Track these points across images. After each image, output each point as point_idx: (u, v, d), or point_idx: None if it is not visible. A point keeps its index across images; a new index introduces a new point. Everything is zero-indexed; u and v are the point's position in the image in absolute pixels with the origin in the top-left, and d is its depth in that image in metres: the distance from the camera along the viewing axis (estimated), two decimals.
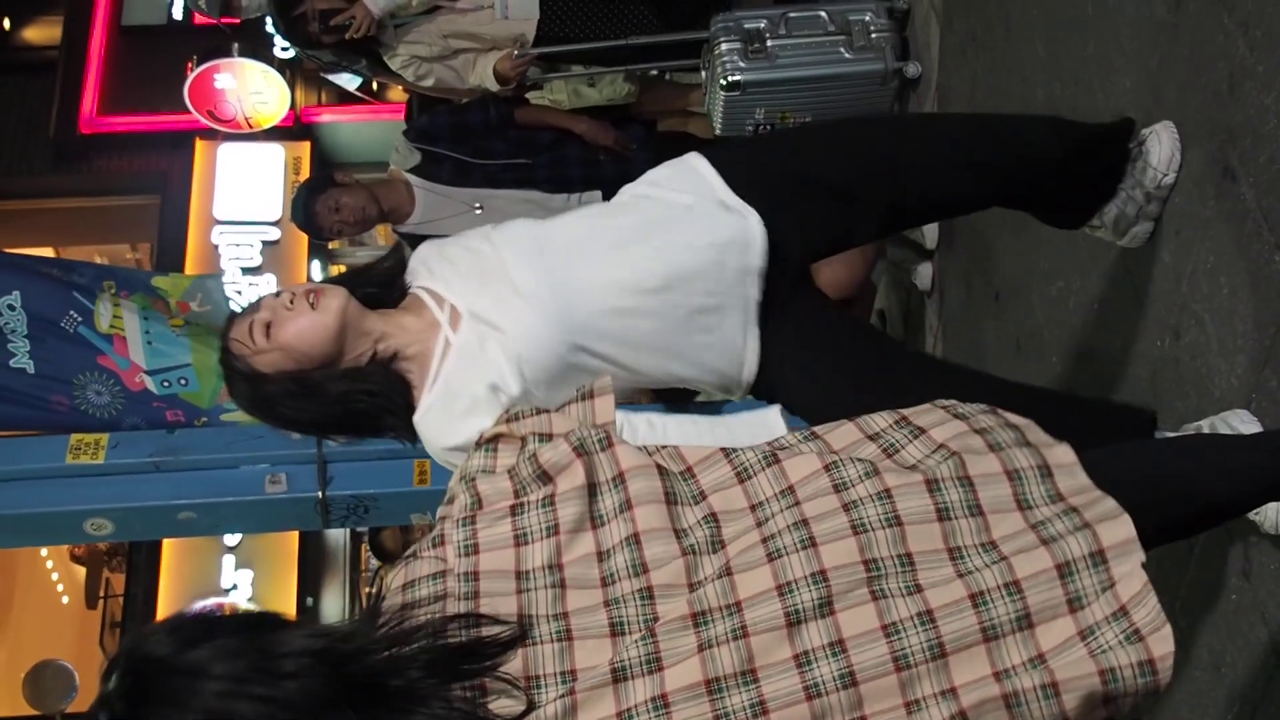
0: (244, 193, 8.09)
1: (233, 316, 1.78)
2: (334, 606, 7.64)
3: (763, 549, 1.27)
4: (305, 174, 8.03)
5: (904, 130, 2.11)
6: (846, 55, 3.49)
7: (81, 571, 8.71)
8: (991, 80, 3.02)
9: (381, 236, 7.21)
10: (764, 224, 1.80)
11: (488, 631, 1.25)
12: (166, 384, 3.07)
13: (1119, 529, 1.26)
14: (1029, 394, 1.91)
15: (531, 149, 3.67)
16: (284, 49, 7.57)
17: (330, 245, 7.87)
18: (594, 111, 3.90)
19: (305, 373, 1.71)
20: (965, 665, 1.19)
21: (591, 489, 1.38)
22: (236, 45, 7.75)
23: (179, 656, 1.17)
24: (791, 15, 3.51)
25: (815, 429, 1.45)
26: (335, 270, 8.42)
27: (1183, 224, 2.06)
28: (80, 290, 3.02)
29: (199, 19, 8.07)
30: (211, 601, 6.98)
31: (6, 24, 9.19)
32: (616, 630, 1.25)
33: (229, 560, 7.39)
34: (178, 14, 8.74)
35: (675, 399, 2.06)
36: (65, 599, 8.86)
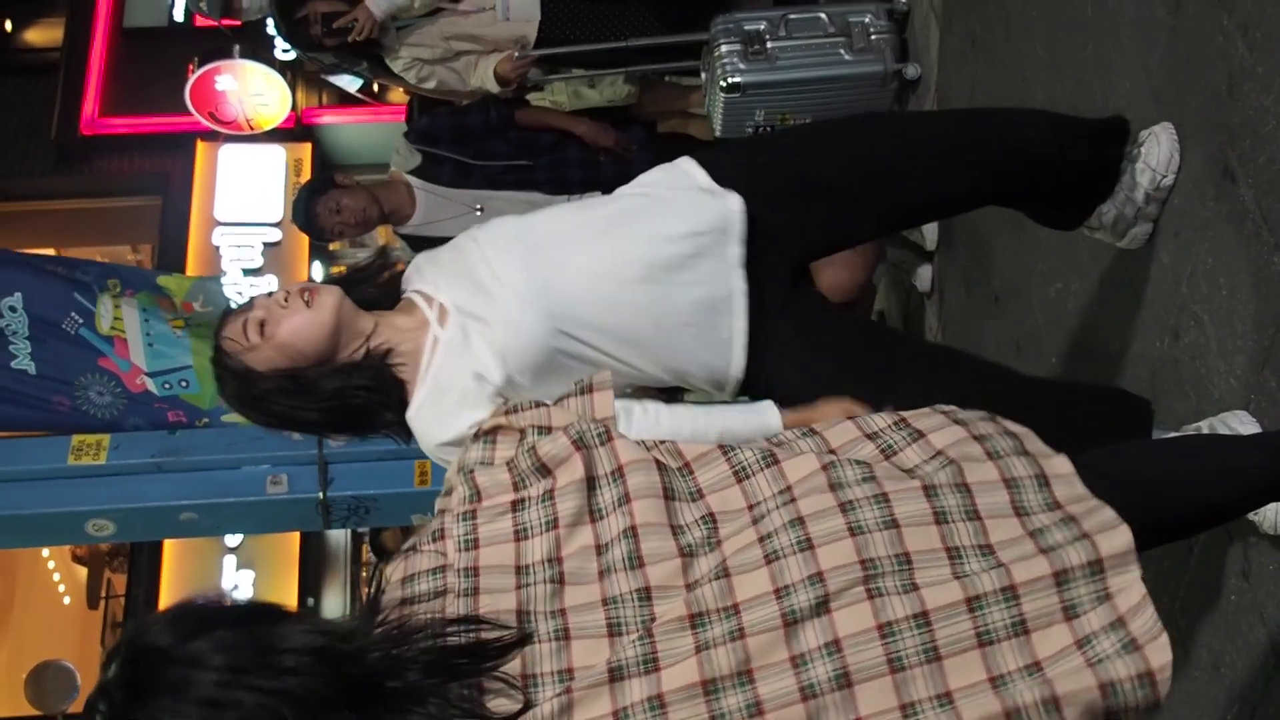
0: (245, 194, 8.08)
1: (225, 315, 1.78)
2: (335, 607, 7.64)
3: (759, 549, 1.27)
4: (306, 175, 8.03)
5: (903, 129, 2.11)
6: (846, 57, 3.49)
7: (83, 572, 8.71)
8: (991, 82, 3.02)
9: (382, 238, 7.19)
10: (747, 209, 1.80)
11: (488, 635, 1.25)
12: (168, 386, 3.08)
13: (1117, 539, 1.26)
14: (1029, 384, 1.90)
15: (532, 150, 3.67)
16: (285, 51, 7.57)
17: (331, 247, 7.86)
18: (594, 113, 3.90)
19: (300, 370, 1.72)
20: (960, 670, 1.18)
21: (590, 483, 1.38)
22: (237, 47, 7.75)
23: (179, 647, 1.17)
24: (791, 17, 3.51)
25: (814, 426, 1.45)
26: (336, 271, 8.42)
27: (1182, 225, 2.06)
28: (82, 291, 3.02)
29: (200, 21, 8.07)
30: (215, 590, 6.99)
31: (8, 26, 9.19)
32: (614, 630, 1.25)
33: (230, 561, 7.39)
34: (179, 16, 8.74)
35: (667, 398, 2.07)
36: (67, 599, 8.86)
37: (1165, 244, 2.11)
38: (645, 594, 1.27)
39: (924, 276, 3.63)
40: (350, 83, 7.62)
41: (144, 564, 7.40)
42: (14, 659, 7.83)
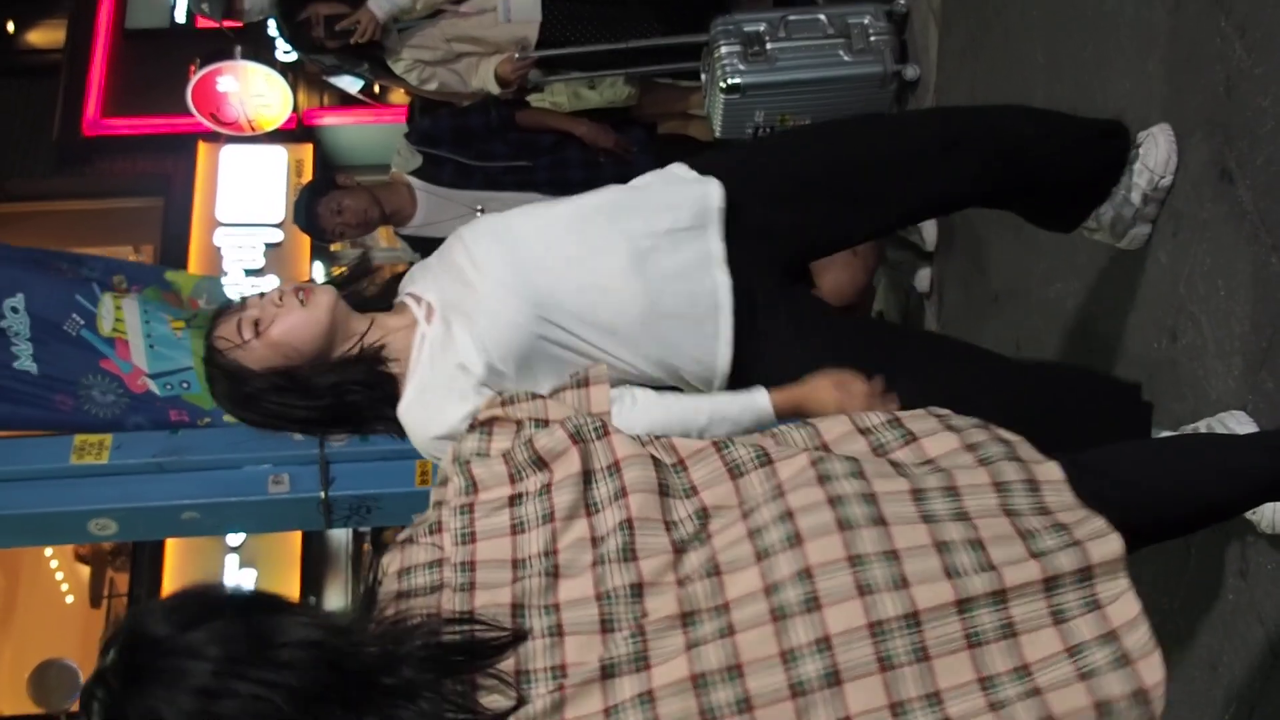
0: (247, 195, 8.08)
1: (217, 315, 1.78)
2: (337, 606, 7.64)
3: (749, 545, 1.27)
4: (308, 176, 8.03)
5: (902, 127, 2.12)
6: (845, 58, 3.49)
7: (86, 571, 8.70)
8: (990, 83, 3.02)
9: (383, 239, 7.20)
10: (731, 196, 1.81)
11: (484, 633, 1.25)
12: (169, 387, 3.08)
13: (1107, 546, 1.25)
14: (1031, 383, 1.90)
15: (532, 152, 3.67)
16: (286, 52, 7.57)
17: (332, 247, 7.84)
18: (594, 114, 3.90)
19: (294, 368, 1.72)
20: (949, 671, 1.18)
21: (587, 476, 1.38)
22: (239, 48, 7.74)
23: (176, 637, 1.18)
24: (791, 18, 3.51)
25: (812, 421, 1.44)
26: (337, 272, 8.41)
27: (1180, 226, 2.06)
28: (84, 292, 3.02)
29: (202, 22, 8.06)
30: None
31: (11, 27, 9.18)
32: (607, 627, 1.25)
33: (232, 560, 7.39)
34: (180, 17, 8.73)
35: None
36: (70, 598, 8.85)
37: (1163, 245, 2.11)
38: (638, 590, 1.27)
39: (923, 277, 3.63)
40: (351, 84, 7.61)
41: (146, 563, 7.40)
42: (17, 657, 7.83)
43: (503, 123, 3.70)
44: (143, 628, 1.20)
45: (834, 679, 1.17)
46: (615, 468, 1.38)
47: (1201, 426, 1.89)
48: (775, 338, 1.80)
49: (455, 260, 1.79)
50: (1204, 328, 1.98)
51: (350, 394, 1.73)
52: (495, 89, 3.72)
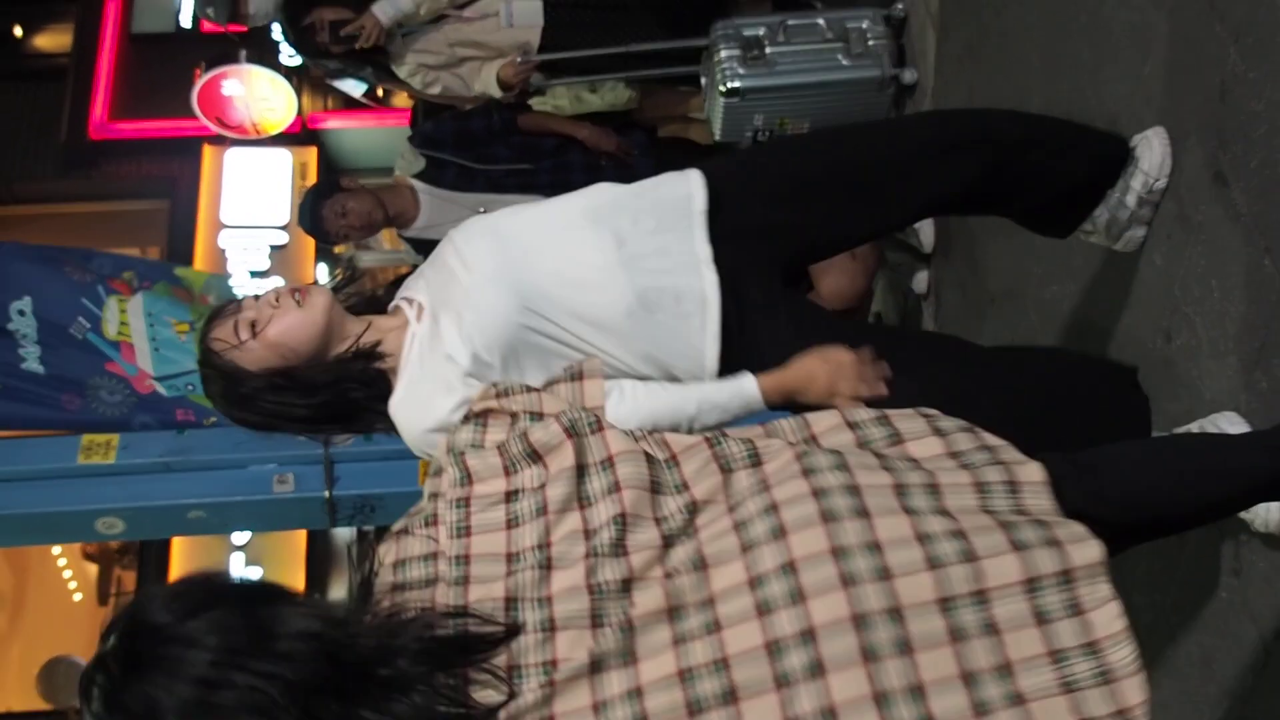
0: (251, 197, 8.09)
1: (212, 318, 1.78)
2: (338, 599, 7.65)
3: (735, 538, 1.27)
4: (312, 179, 8.04)
5: (902, 129, 2.13)
6: (844, 62, 3.49)
7: (94, 569, 8.71)
8: (987, 87, 3.03)
9: (387, 241, 7.20)
10: (720, 194, 1.82)
11: (479, 628, 1.25)
12: (175, 389, 3.08)
13: (1088, 551, 1.25)
14: (1030, 384, 1.89)
15: (534, 155, 3.67)
16: (291, 56, 7.58)
17: (336, 249, 7.85)
18: (596, 118, 3.90)
19: (291, 368, 1.73)
20: (932, 664, 1.17)
21: (580, 471, 1.38)
22: (244, 52, 7.77)
23: (177, 626, 1.18)
24: (790, 22, 3.51)
25: (805, 416, 1.44)
26: (341, 274, 8.42)
27: (1175, 228, 2.06)
28: (89, 295, 3.02)
29: (207, 27, 8.07)
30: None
31: (18, 32, 9.20)
32: (597, 621, 1.25)
33: (238, 558, 7.40)
34: (186, 22, 8.75)
35: None
36: (78, 596, 8.86)
37: (1158, 246, 2.11)
38: (628, 585, 1.27)
39: (921, 279, 3.64)
40: (355, 88, 7.62)
41: (153, 561, 7.42)
42: (26, 654, 7.84)
43: (505, 126, 3.70)
44: (144, 615, 1.20)
45: (818, 670, 1.17)
46: (609, 463, 1.38)
47: (1194, 427, 1.89)
48: (774, 338, 1.80)
49: (447, 261, 1.81)
50: (1198, 329, 1.98)
51: (347, 391, 1.74)
52: (497, 93, 3.73)
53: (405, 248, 3.78)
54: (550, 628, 1.25)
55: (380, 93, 7.91)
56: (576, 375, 1.61)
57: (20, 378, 2.99)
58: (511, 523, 1.37)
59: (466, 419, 1.54)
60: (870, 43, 3.50)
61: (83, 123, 8.30)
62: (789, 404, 1.74)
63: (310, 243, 7.69)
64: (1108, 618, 1.21)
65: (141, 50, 8.61)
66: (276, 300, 1.74)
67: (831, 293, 3.19)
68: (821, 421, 1.42)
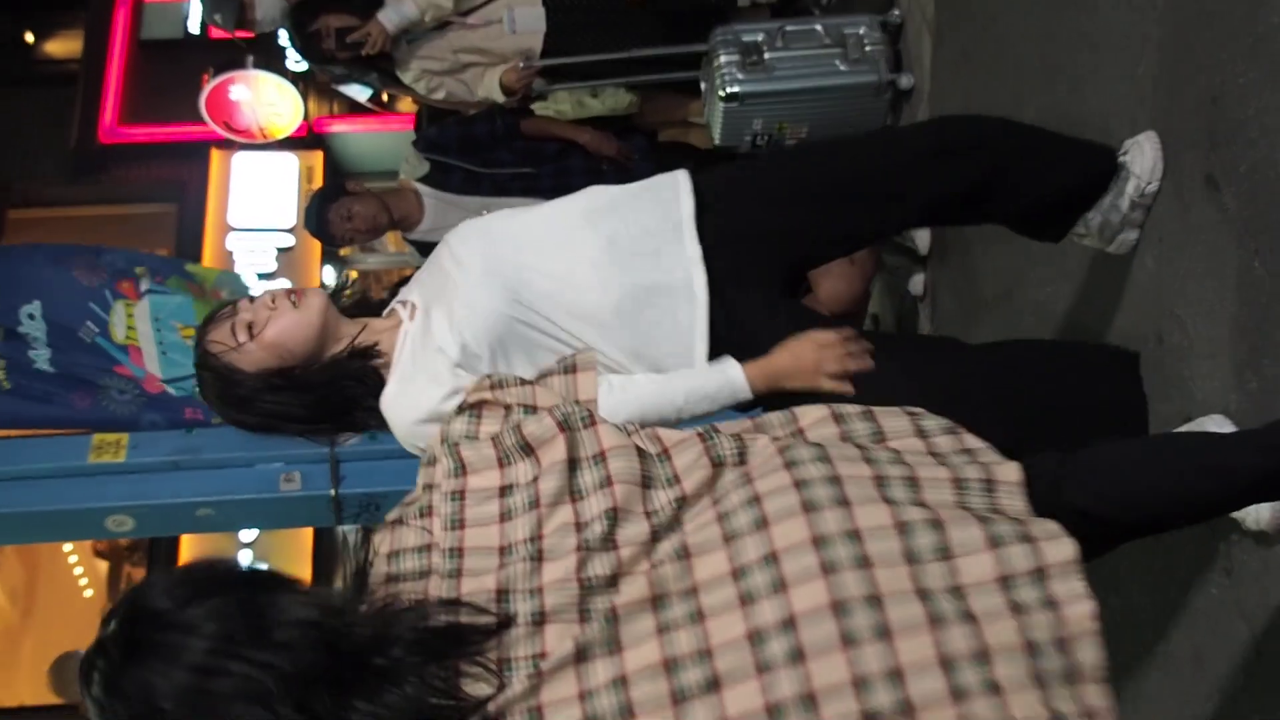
0: (259, 200, 8.09)
1: (207, 321, 1.78)
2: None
3: (718, 528, 1.27)
4: (318, 183, 8.04)
5: (897, 137, 2.13)
6: (841, 67, 3.49)
7: (104, 566, 8.71)
8: (983, 92, 3.03)
9: (392, 243, 7.20)
10: (699, 187, 1.84)
11: (471, 620, 1.25)
12: (183, 390, 3.08)
13: (1061, 549, 1.24)
14: (1027, 387, 1.89)
15: (537, 159, 3.68)
16: (297, 62, 7.57)
17: (342, 251, 7.85)
18: (597, 122, 3.91)
19: (288, 368, 1.73)
20: (910, 648, 1.16)
21: (572, 464, 1.38)
22: (251, 58, 7.75)
23: (176, 613, 1.18)
24: (788, 28, 3.52)
25: (794, 410, 1.44)
26: (348, 275, 8.44)
27: (1166, 231, 2.06)
28: (97, 300, 3.01)
29: (215, 33, 8.05)
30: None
31: (30, 38, 9.20)
32: (585, 616, 1.25)
33: (245, 555, 7.40)
34: (194, 28, 8.74)
35: None
36: (88, 592, 8.86)
37: (1150, 249, 2.11)
38: (615, 578, 1.27)
39: (917, 282, 3.64)
40: (360, 92, 7.63)
41: (162, 558, 7.40)
42: (38, 650, 7.83)
43: (508, 131, 3.70)
44: (145, 601, 1.21)
45: (799, 656, 1.16)
46: (601, 457, 1.37)
47: (1184, 430, 1.89)
48: (775, 337, 1.80)
49: (441, 263, 1.82)
50: (1190, 330, 1.98)
51: (343, 390, 1.75)
52: (500, 98, 3.73)
53: (410, 250, 3.78)
54: (540, 620, 1.25)
55: (385, 98, 7.91)
56: (570, 368, 1.61)
57: (31, 376, 2.99)
58: (505, 516, 1.37)
59: (461, 410, 1.53)
60: (867, 48, 3.50)
61: (93, 127, 8.30)
62: (776, 392, 1.73)
63: (316, 245, 7.68)
64: (1080, 615, 1.20)
65: (150, 56, 8.61)
66: (273, 302, 1.74)
67: (830, 296, 3.19)
68: (808, 415, 1.42)
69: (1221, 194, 1.89)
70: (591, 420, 1.43)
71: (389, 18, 3.57)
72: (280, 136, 8.00)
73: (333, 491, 3.00)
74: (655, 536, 1.29)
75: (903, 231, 3.38)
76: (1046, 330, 2.61)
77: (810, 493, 1.25)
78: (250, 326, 1.72)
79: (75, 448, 3.07)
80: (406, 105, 7.50)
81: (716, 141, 3.60)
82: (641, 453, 1.38)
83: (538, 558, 1.30)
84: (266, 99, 7.84)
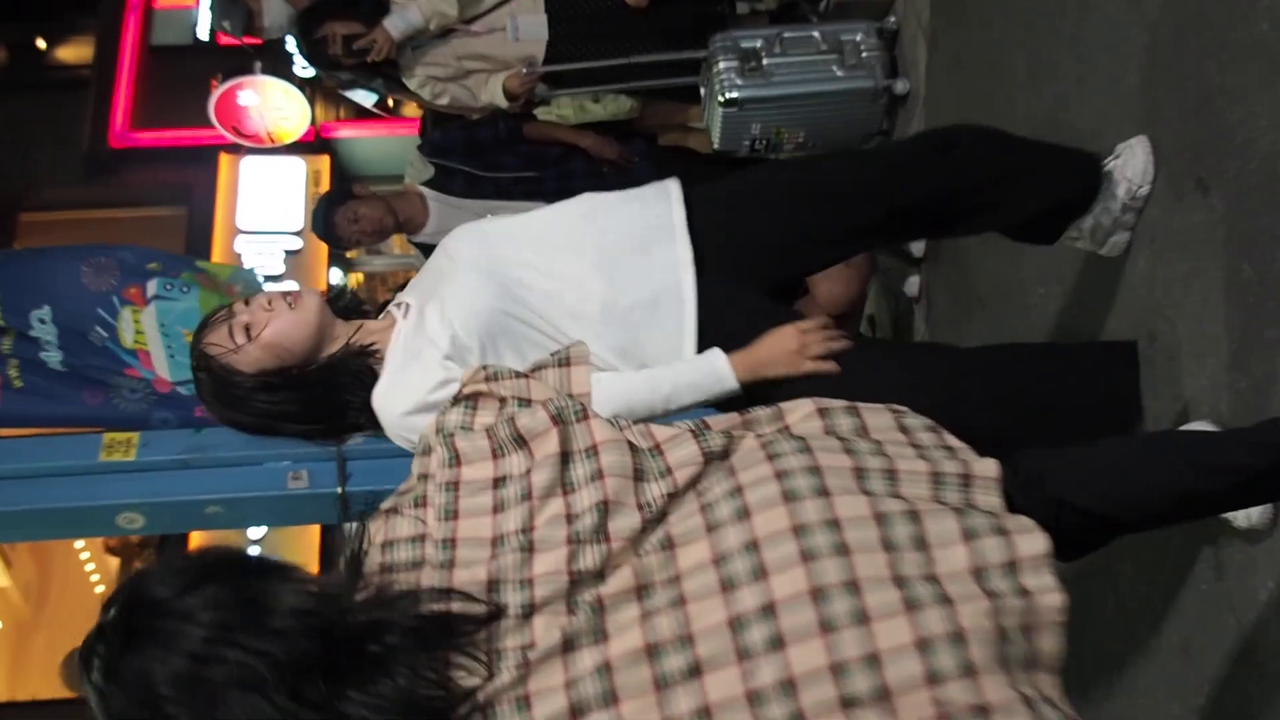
0: (266, 204, 8.09)
1: (203, 325, 1.79)
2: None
3: (701, 519, 1.27)
4: (325, 186, 8.04)
5: (893, 144, 2.13)
6: (838, 73, 3.49)
7: (115, 562, 8.71)
8: (976, 97, 3.03)
9: (397, 246, 7.21)
10: (689, 196, 1.85)
11: (466, 608, 1.24)
12: (193, 392, 3.08)
13: (1033, 543, 1.24)
14: (1018, 392, 1.89)
15: (539, 163, 3.68)
16: (304, 68, 7.58)
17: (349, 254, 7.87)
18: (598, 127, 3.91)
19: (285, 368, 1.74)
20: (887, 632, 1.15)
21: (564, 458, 1.37)
22: (259, 64, 7.76)
23: (175, 600, 1.18)
24: (786, 35, 3.52)
25: (781, 406, 1.45)
26: (354, 277, 8.44)
27: (1157, 233, 2.06)
28: (105, 305, 3.01)
29: (224, 40, 8.05)
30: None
31: (42, 44, 9.21)
32: (572, 608, 1.25)
33: (254, 552, 7.39)
34: (203, 35, 8.73)
35: None
36: (100, 588, 8.85)
37: (1142, 251, 2.11)
38: (603, 570, 1.27)
39: (912, 284, 3.64)
40: (366, 98, 7.64)
41: (172, 555, 7.41)
42: (51, 644, 7.84)
43: (511, 135, 3.70)
44: (144, 588, 1.20)
45: (778, 643, 1.16)
46: (593, 451, 1.37)
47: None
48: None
49: (437, 264, 1.84)
50: (1179, 330, 1.99)
51: (339, 389, 1.75)
52: (504, 103, 3.73)
53: (415, 253, 3.79)
54: (530, 611, 1.25)
55: (391, 103, 7.92)
56: (564, 361, 1.60)
57: (44, 375, 3.00)
58: (498, 508, 1.36)
59: (456, 400, 1.53)
60: (864, 54, 3.50)
61: (104, 132, 8.31)
62: (760, 382, 1.74)
63: (323, 248, 7.69)
64: (1049, 606, 1.21)
65: (160, 62, 8.62)
66: (269, 304, 1.74)
67: (827, 298, 3.19)
68: (795, 412, 1.42)
69: (1211, 197, 1.90)
70: (584, 414, 1.42)
71: (394, 25, 3.57)
72: (288, 141, 8.01)
73: (339, 489, 3.01)
74: (646, 528, 1.29)
75: (896, 243, 3.38)
76: (1040, 330, 2.61)
77: (791, 483, 1.25)
78: (248, 328, 1.72)
79: (86, 446, 3.07)
80: (411, 110, 7.49)
81: (716, 145, 3.61)
82: (633, 447, 1.37)
83: (528, 549, 1.30)
84: (274, 104, 7.85)
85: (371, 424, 1.78)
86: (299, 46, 3.88)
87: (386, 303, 1.91)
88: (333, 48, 3.64)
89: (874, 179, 1.93)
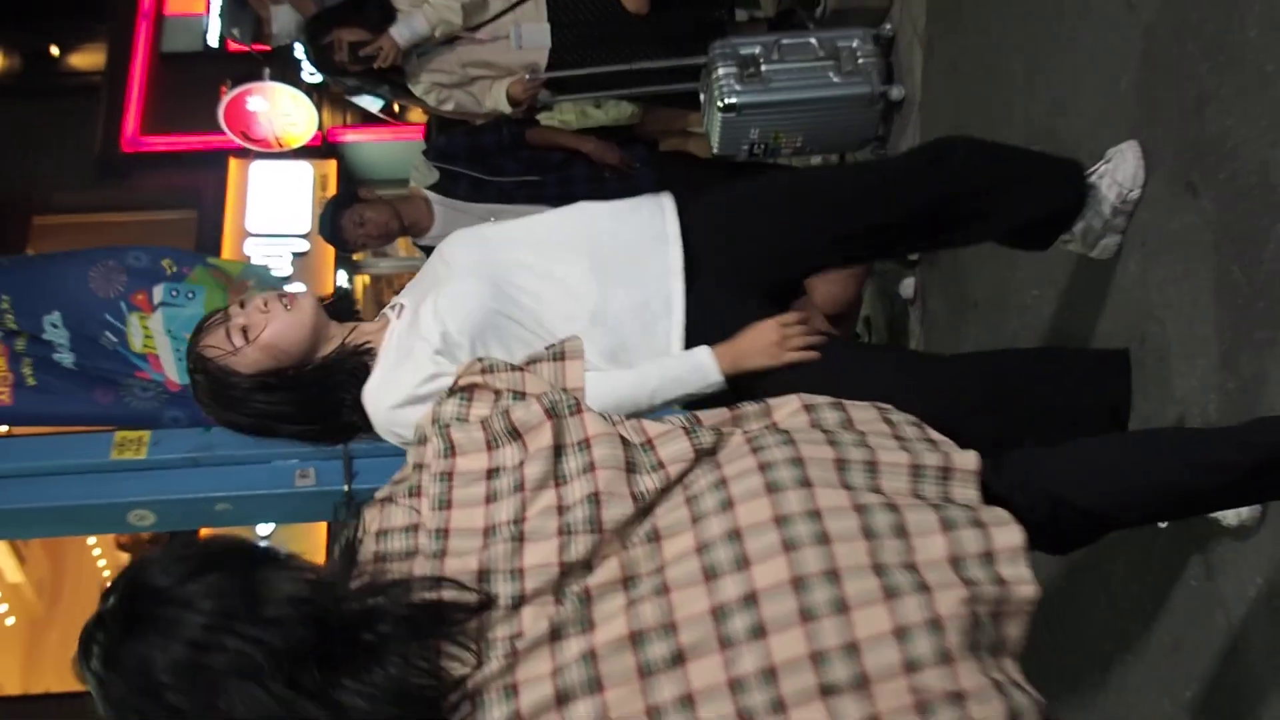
0: (275, 207, 8.11)
1: (200, 328, 1.78)
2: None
3: (686, 510, 1.26)
4: (332, 190, 8.05)
5: (879, 161, 2.14)
6: (835, 79, 3.49)
7: (126, 558, 8.72)
8: (972, 102, 3.03)
9: (402, 248, 7.21)
10: (683, 208, 1.85)
11: (457, 597, 1.24)
12: None
13: (1009, 535, 1.24)
14: (1018, 377, 1.88)
15: (542, 167, 3.68)
16: (312, 74, 7.59)
17: (355, 256, 7.88)
18: (600, 132, 3.91)
19: (282, 368, 1.74)
20: (866, 620, 1.15)
21: (558, 450, 1.37)
22: (268, 70, 7.77)
23: (174, 588, 1.17)
24: (784, 42, 3.52)
25: (769, 402, 1.44)
26: (360, 279, 8.45)
27: (1148, 236, 2.06)
28: (113, 311, 3.01)
29: (233, 46, 8.09)
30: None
31: (55, 51, 9.22)
32: (560, 598, 1.24)
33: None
34: (213, 41, 8.76)
35: None
36: None
37: (1133, 253, 2.11)
38: (591, 561, 1.26)
39: (908, 286, 3.64)
40: (372, 104, 7.63)
41: None
42: (64, 639, 7.84)
43: (514, 140, 3.70)
44: (144, 576, 1.20)
45: (760, 631, 1.15)
46: (585, 444, 1.37)
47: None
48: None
49: (434, 269, 1.84)
50: (1170, 331, 1.98)
51: (335, 389, 1.75)
52: (507, 109, 3.73)
53: (420, 255, 3.78)
54: (520, 601, 1.24)
55: (396, 108, 7.91)
56: (559, 355, 1.60)
57: (57, 374, 3.00)
58: (491, 499, 1.36)
59: (452, 392, 1.52)
60: (860, 61, 3.50)
61: (115, 137, 8.33)
62: (742, 373, 1.74)
63: (330, 250, 7.70)
64: (1022, 597, 1.21)
65: (171, 68, 8.64)
66: (265, 306, 1.74)
67: (824, 299, 3.19)
68: (782, 408, 1.42)
69: (1201, 201, 1.89)
70: (578, 408, 1.42)
71: (400, 32, 3.57)
72: (296, 146, 8.02)
73: (346, 487, 3.00)
74: (635, 521, 1.29)
75: (893, 245, 3.37)
76: (1034, 332, 2.61)
77: (774, 474, 1.25)
78: (245, 330, 1.72)
79: (98, 445, 3.07)
80: (417, 116, 7.50)
81: (715, 150, 3.60)
82: (625, 441, 1.37)
83: (519, 539, 1.29)
84: (282, 110, 7.86)
85: (367, 424, 1.78)
86: (307, 53, 3.88)
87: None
88: (340, 54, 3.64)
89: (872, 184, 1.94)
